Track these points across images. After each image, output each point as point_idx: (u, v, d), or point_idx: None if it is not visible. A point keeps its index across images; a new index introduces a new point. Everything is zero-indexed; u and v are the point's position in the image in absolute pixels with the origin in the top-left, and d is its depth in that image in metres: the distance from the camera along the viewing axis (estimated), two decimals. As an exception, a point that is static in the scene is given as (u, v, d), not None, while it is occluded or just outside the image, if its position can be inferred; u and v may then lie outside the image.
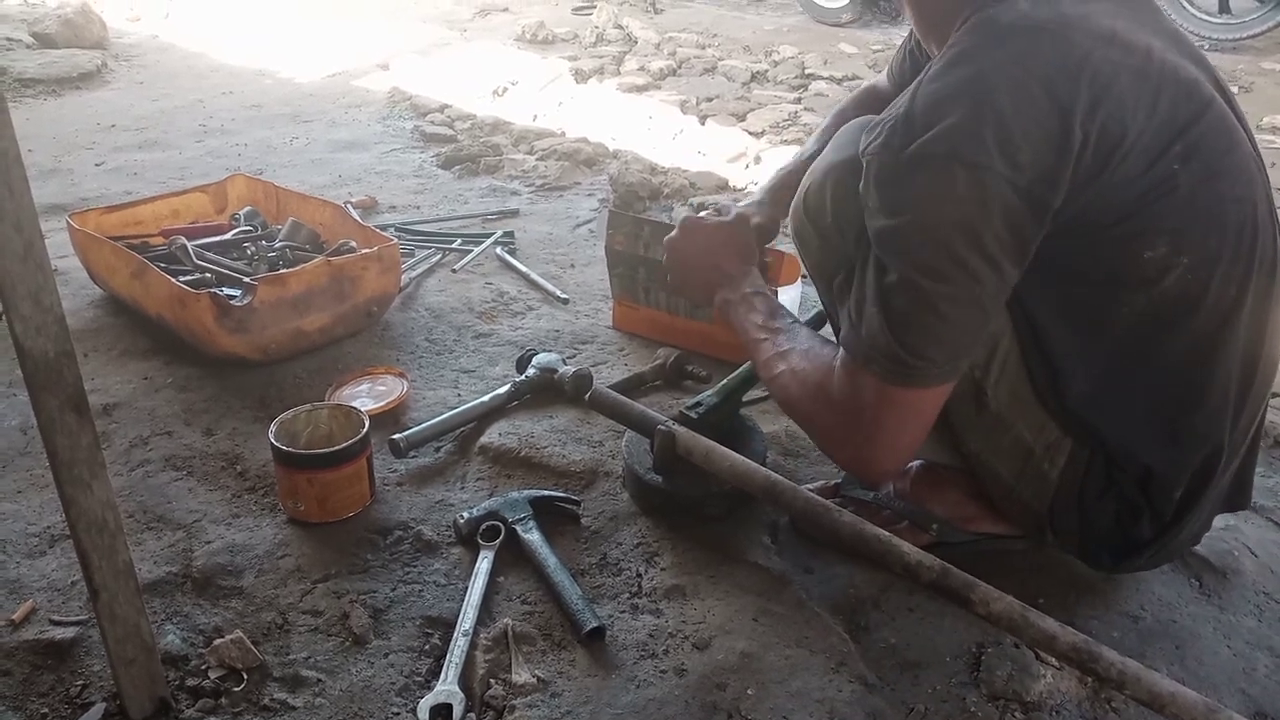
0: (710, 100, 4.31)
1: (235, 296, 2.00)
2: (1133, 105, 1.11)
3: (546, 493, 1.64)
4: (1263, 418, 1.36)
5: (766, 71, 4.83)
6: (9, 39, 4.86)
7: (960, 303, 1.14)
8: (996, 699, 1.29)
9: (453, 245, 2.72)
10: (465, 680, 1.31)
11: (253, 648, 1.35)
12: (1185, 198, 1.15)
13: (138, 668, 1.23)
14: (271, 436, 1.59)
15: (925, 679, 1.32)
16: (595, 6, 6.09)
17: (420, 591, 1.47)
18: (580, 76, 4.67)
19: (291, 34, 5.57)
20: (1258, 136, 1.33)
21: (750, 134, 3.78)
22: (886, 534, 1.34)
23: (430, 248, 2.69)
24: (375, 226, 2.46)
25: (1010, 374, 1.28)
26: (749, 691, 1.29)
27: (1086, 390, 1.24)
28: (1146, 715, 1.26)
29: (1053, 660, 1.33)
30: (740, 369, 1.73)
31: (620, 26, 5.72)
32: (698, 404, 1.63)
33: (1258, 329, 1.25)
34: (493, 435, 1.82)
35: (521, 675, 1.32)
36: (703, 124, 3.92)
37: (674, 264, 1.66)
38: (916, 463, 1.57)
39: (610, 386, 1.83)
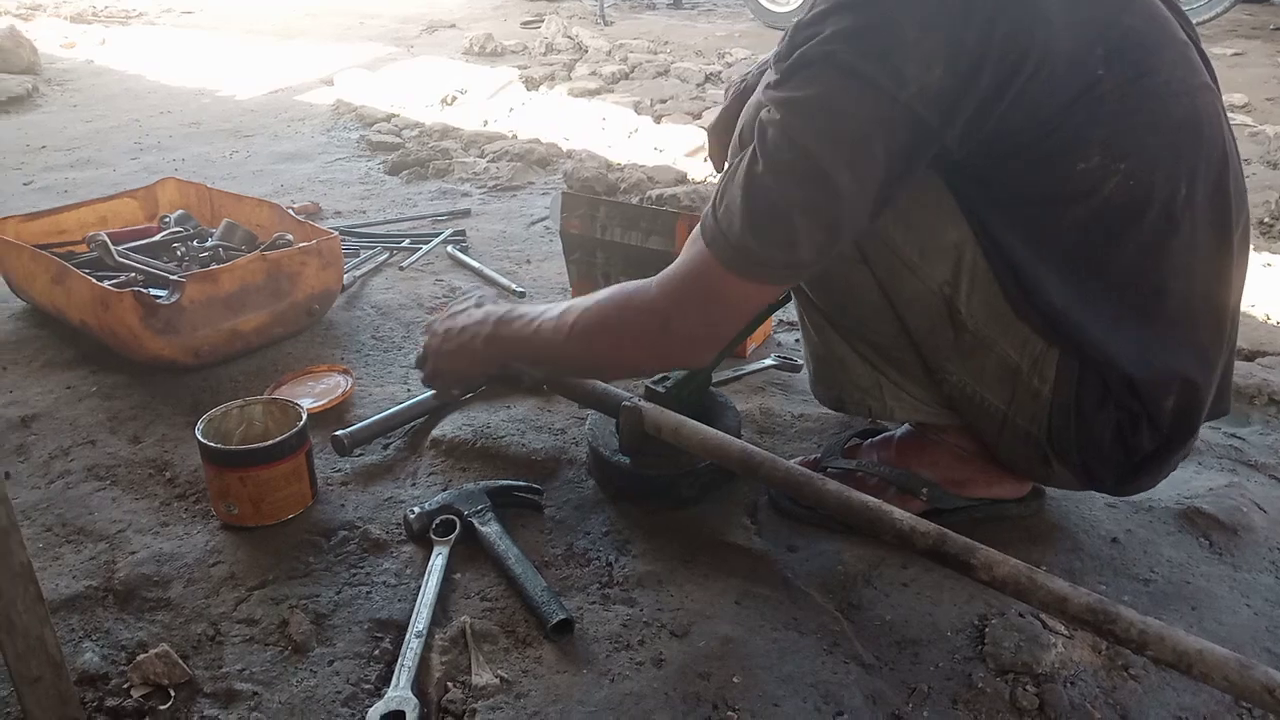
0: (664, 101, 4.23)
1: (162, 296, 1.86)
2: (1046, 9, 1.04)
3: (505, 482, 1.51)
4: (1236, 319, 1.27)
5: (720, 73, 4.76)
6: (-68, 66, 4.68)
7: (813, 211, 1.08)
8: (1005, 673, 1.18)
9: (400, 245, 2.59)
10: (420, 685, 1.18)
11: (180, 662, 1.21)
12: (1115, 101, 1.08)
13: (44, 686, 1.08)
14: (199, 434, 1.45)
15: (926, 656, 1.21)
16: (544, 20, 6.02)
17: (368, 593, 1.34)
18: (531, 84, 4.57)
19: (233, 57, 5.44)
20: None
21: (706, 130, 3.69)
22: (876, 501, 1.23)
23: (376, 247, 2.56)
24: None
25: (981, 286, 1.19)
26: (735, 679, 1.17)
27: (1056, 301, 1.16)
28: (1166, 682, 1.17)
29: (1063, 629, 1.23)
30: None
31: (570, 37, 5.65)
32: (665, 378, 1.51)
33: (1216, 225, 1.17)
34: (445, 428, 1.69)
35: (482, 676, 1.19)
36: (658, 123, 3.83)
37: (438, 365, 1.53)
38: (902, 428, 1.47)
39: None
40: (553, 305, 1.36)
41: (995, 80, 1.03)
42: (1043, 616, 1.23)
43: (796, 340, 1.98)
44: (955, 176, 1.15)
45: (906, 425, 1.46)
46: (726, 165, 1.21)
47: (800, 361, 1.88)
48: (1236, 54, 4.83)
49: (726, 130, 1.61)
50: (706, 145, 1.69)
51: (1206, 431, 1.66)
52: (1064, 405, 1.21)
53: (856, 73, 1.03)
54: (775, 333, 2.09)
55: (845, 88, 1.04)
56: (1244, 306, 1.25)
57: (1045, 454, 1.26)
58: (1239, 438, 1.67)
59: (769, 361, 1.92)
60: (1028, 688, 1.16)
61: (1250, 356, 1.93)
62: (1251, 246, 1.34)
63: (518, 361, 1.44)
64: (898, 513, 1.20)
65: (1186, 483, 1.52)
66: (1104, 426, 1.20)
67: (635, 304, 1.25)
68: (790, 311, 2.08)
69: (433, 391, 1.67)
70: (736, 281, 1.14)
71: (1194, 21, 1.27)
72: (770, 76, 1.11)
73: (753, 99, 1.24)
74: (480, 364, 1.47)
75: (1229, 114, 1.26)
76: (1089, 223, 1.13)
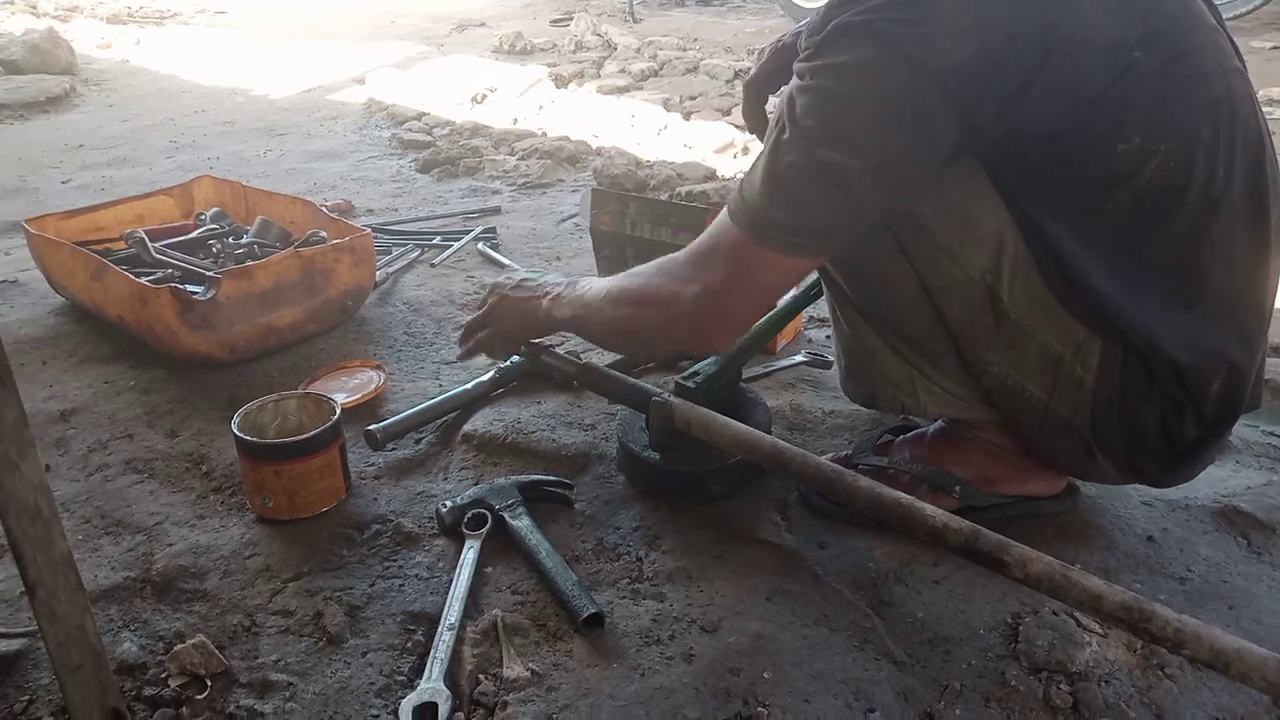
0: (694, 98, 4.23)
1: (198, 292, 1.88)
2: None
3: (536, 477, 1.52)
4: (1274, 304, 1.26)
5: (750, 69, 4.74)
6: (-27, 68, 4.76)
7: (834, 173, 1.08)
8: (1039, 671, 1.17)
9: (431, 242, 2.61)
10: (452, 677, 1.19)
11: (217, 652, 1.23)
12: (1152, 83, 1.08)
13: (84, 674, 1.10)
14: (235, 428, 1.46)
15: (959, 654, 1.20)
16: (573, 17, 6.03)
17: (401, 586, 1.35)
18: (560, 81, 4.58)
19: (266, 57, 5.49)
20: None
21: (736, 127, 3.67)
22: (908, 498, 1.22)
23: (407, 244, 2.58)
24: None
25: (1023, 274, 1.18)
26: (765, 675, 1.17)
27: (1100, 287, 1.15)
28: (1203, 682, 1.15)
29: (1097, 627, 1.21)
30: (740, 338, 1.60)
31: (599, 34, 5.65)
32: (695, 373, 1.51)
33: (1253, 207, 1.16)
34: (477, 423, 1.70)
35: (514, 669, 1.20)
36: (687, 119, 3.83)
37: (497, 320, 1.57)
38: (934, 424, 1.46)
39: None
40: (612, 277, 1.39)
41: (1028, 60, 1.03)
42: (1077, 614, 1.22)
43: (827, 337, 1.98)
44: (996, 164, 1.14)
45: (939, 422, 1.45)
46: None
47: (831, 358, 1.87)
48: (1276, 47, 4.75)
49: (761, 84, 1.62)
50: (741, 102, 1.69)
51: (1244, 429, 1.64)
52: (1107, 394, 1.20)
53: (890, 40, 1.03)
54: (806, 329, 2.08)
55: (878, 54, 1.04)
56: (1280, 303, 1.24)
57: (1088, 445, 1.25)
58: (1278, 436, 1.65)
59: (800, 358, 1.92)
60: (1061, 686, 1.15)
61: (1290, 354, 1.90)
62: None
63: (565, 327, 1.46)
64: (930, 509, 1.19)
65: (1224, 481, 1.51)
66: (1148, 415, 1.19)
67: (665, 270, 1.27)
68: (821, 308, 2.07)
69: (461, 354, 1.66)
70: (759, 251, 1.14)
71: (1234, 14, 1.27)
72: (805, 46, 1.12)
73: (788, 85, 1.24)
74: (539, 322, 1.48)
75: (1268, 108, 1.25)
76: (1131, 207, 1.12)
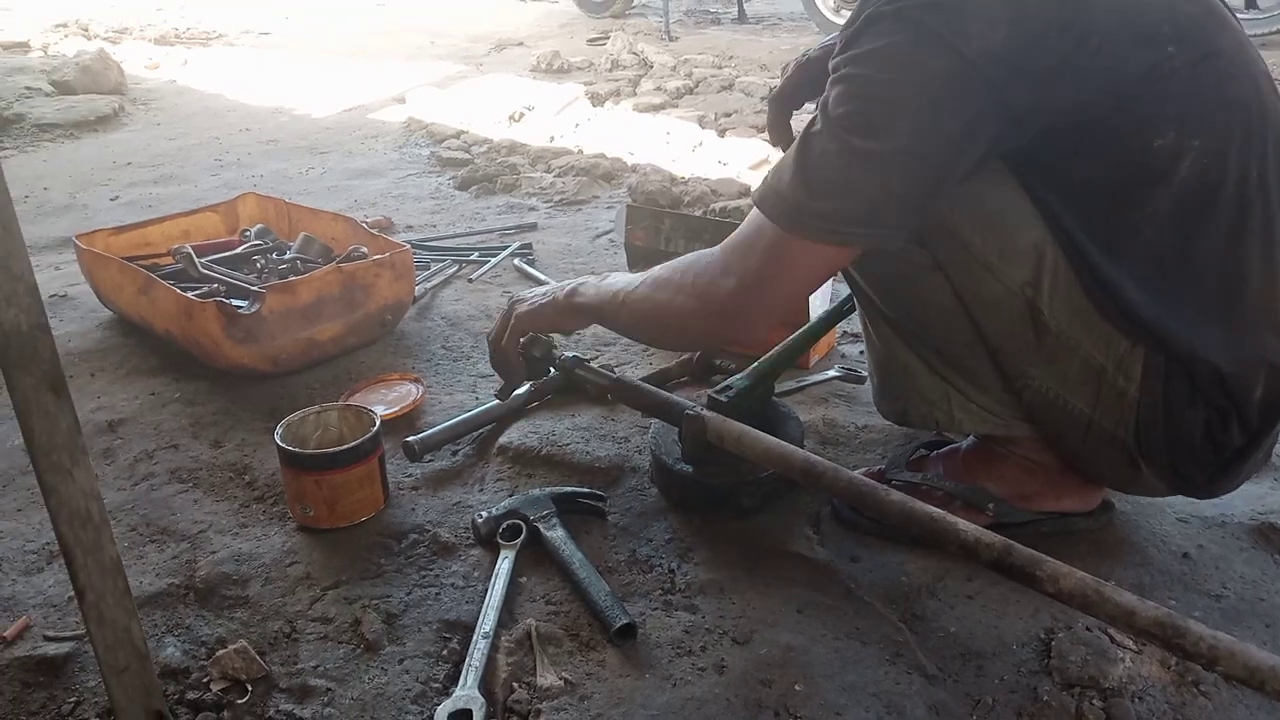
0: (729, 115, 4.25)
1: (243, 306, 1.93)
2: None
3: (570, 489, 1.54)
4: None
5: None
6: (28, 88, 4.88)
7: (867, 159, 1.09)
8: (1071, 687, 1.17)
9: (469, 258, 2.65)
10: (486, 685, 1.20)
11: (257, 658, 1.25)
12: (1186, 78, 1.09)
13: (130, 676, 1.13)
14: (277, 438, 1.50)
15: (991, 669, 1.20)
16: (609, 36, 6.09)
17: (437, 595, 1.37)
18: (596, 99, 4.62)
19: (309, 76, 5.59)
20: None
21: (770, 144, 3.70)
22: (940, 512, 1.22)
23: (446, 260, 2.62)
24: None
25: (1064, 286, 1.18)
26: (797, 687, 1.17)
27: (1137, 298, 1.15)
28: (1238, 699, 1.14)
29: (1131, 644, 1.21)
30: (772, 350, 1.62)
31: (635, 53, 5.69)
32: (727, 387, 1.53)
33: None
34: (512, 435, 1.72)
35: (547, 678, 1.21)
36: (722, 136, 3.85)
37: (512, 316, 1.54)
38: (968, 440, 1.46)
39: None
40: (627, 275, 1.41)
41: (1063, 46, 1.05)
42: (1110, 630, 1.22)
43: (861, 352, 1.98)
44: (1031, 171, 1.15)
45: (972, 437, 1.46)
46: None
47: (864, 373, 1.88)
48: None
49: (787, 99, 1.63)
50: (767, 115, 1.71)
51: (1283, 447, 1.62)
52: (1151, 404, 1.19)
53: (923, 26, 1.05)
54: (839, 344, 2.09)
55: (911, 40, 1.06)
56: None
57: (1132, 456, 1.24)
58: (1318, 454, 1.63)
59: (833, 373, 1.92)
60: (1094, 702, 1.14)
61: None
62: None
63: (584, 314, 1.45)
64: (962, 524, 1.20)
65: (1261, 498, 1.49)
66: (1193, 424, 1.19)
67: (700, 263, 1.28)
68: (854, 324, 2.07)
69: (495, 376, 1.64)
70: (791, 240, 1.15)
71: (1268, 31, 1.28)
72: (838, 45, 1.13)
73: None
74: (558, 317, 1.48)
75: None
76: (1168, 211, 1.12)
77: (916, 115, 1.07)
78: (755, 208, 1.20)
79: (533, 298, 1.52)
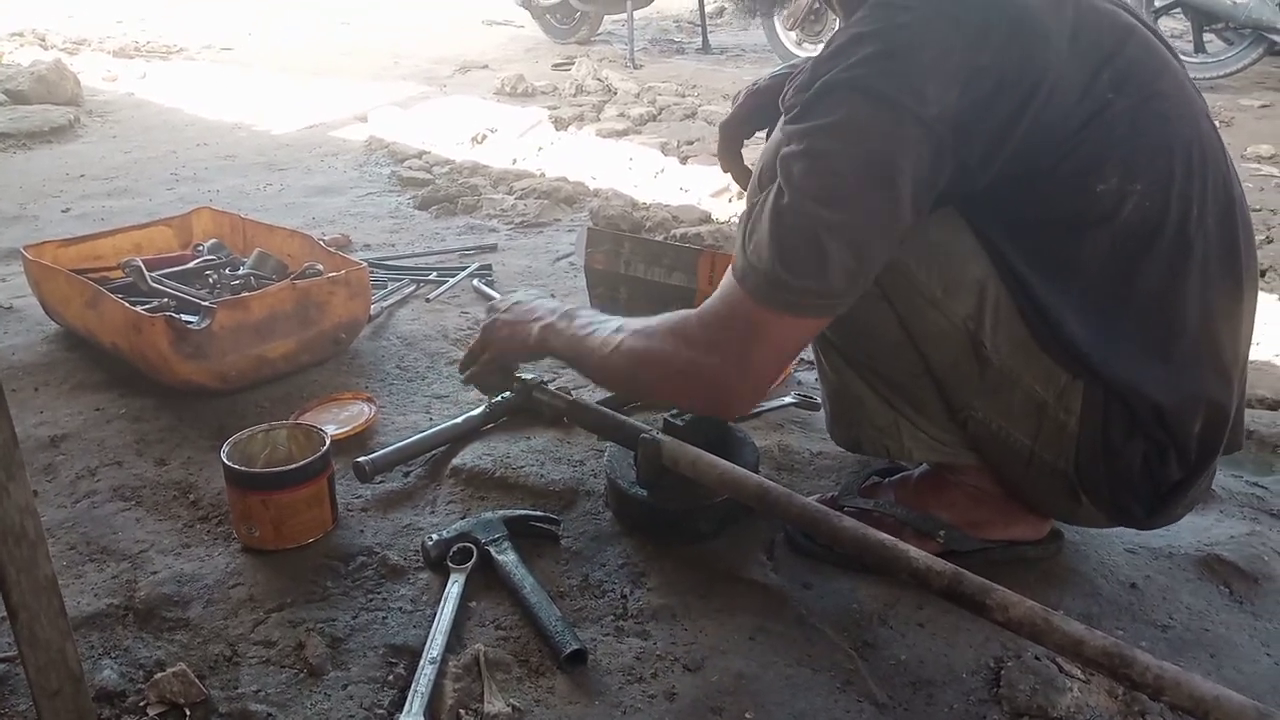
0: (691, 143, 4.27)
1: (193, 321, 1.89)
2: (1052, 37, 1.09)
3: (523, 512, 1.52)
4: (1249, 344, 1.29)
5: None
6: (-20, 97, 4.80)
7: (843, 233, 1.10)
8: (1020, 716, 1.17)
9: (428, 278, 2.63)
10: (432, 711, 1.18)
11: (197, 681, 1.22)
12: (1126, 123, 1.12)
13: (63, 700, 1.09)
14: (224, 457, 1.47)
15: (941, 697, 1.20)
16: (574, 62, 6.11)
17: (384, 619, 1.35)
18: (560, 124, 4.63)
19: (270, 92, 5.54)
20: (1242, 166, 1.29)
21: (732, 172, 3.72)
22: (892, 539, 1.23)
23: (403, 279, 2.60)
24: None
25: (1006, 321, 1.20)
26: (747, 715, 1.17)
27: (1080, 331, 1.17)
28: (1185, 730, 1.15)
29: (1079, 672, 1.22)
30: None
31: (600, 79, 5.72)
32: (684, 412, 1.52)
33: (1225, 249, 1.20)
34: (466, 457, 1.70)
35: (495, 704, 1.19)
36: (684, 164, 3.87)
37: (488, 340, 1.58)
38: (919, 468, 1.47)
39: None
40: (611, 319, 1.38)
41: (1011, 102, 1.07)
42: (1059, 660, 1.22)
43: (816, 379, 1.99)
44: (976, 210, 1.17)
45: (924, 465, 1.46)
46: (746, 205, 1.23)
47: (819, 400, 1.88)
48: (1265, 105, 4.82)
49: (737, 127, 1.65)
50: (717, 142, 1.71)
51: (1228, 479, 1.65)
52: (1091, 438, 1.21)
53: (880, 94, 1.06)
54: (795, 371, 2.09)
55: (870, 109, 1.07)
56: (1267, 355, 1.25)
57: (1073, 488, 1.26)
58: (1261, 486, 1.66)
59: (788, 399, 1.93)
60: (1043, 731, 1.15)
61: (1274, 406, 1.92)
62: (1268, 291, 1.34)
63: (557, 356, 1.46)
64: (914, 551, 1.20)
65: (1207, 530, 1.51)
66: (1132, 456, 1.21)
67: (680, 336, 1.25)
68: (808, 352, 2.08)
69: (465, 376, 1.67)
70: (772, 316, 1.15)
71: (1223, 73, 1.32)
72: (791, 104, 1.14)
73: (770, 141, 1.25)
74: (528, 347, 1.49)
75: (1256, 164, 1.28)
76: (1108, 249, 1.15)
77: (883, 179, 1.08)
78: (734, 283, 1.17)
79: (510, 319, 1.53)
